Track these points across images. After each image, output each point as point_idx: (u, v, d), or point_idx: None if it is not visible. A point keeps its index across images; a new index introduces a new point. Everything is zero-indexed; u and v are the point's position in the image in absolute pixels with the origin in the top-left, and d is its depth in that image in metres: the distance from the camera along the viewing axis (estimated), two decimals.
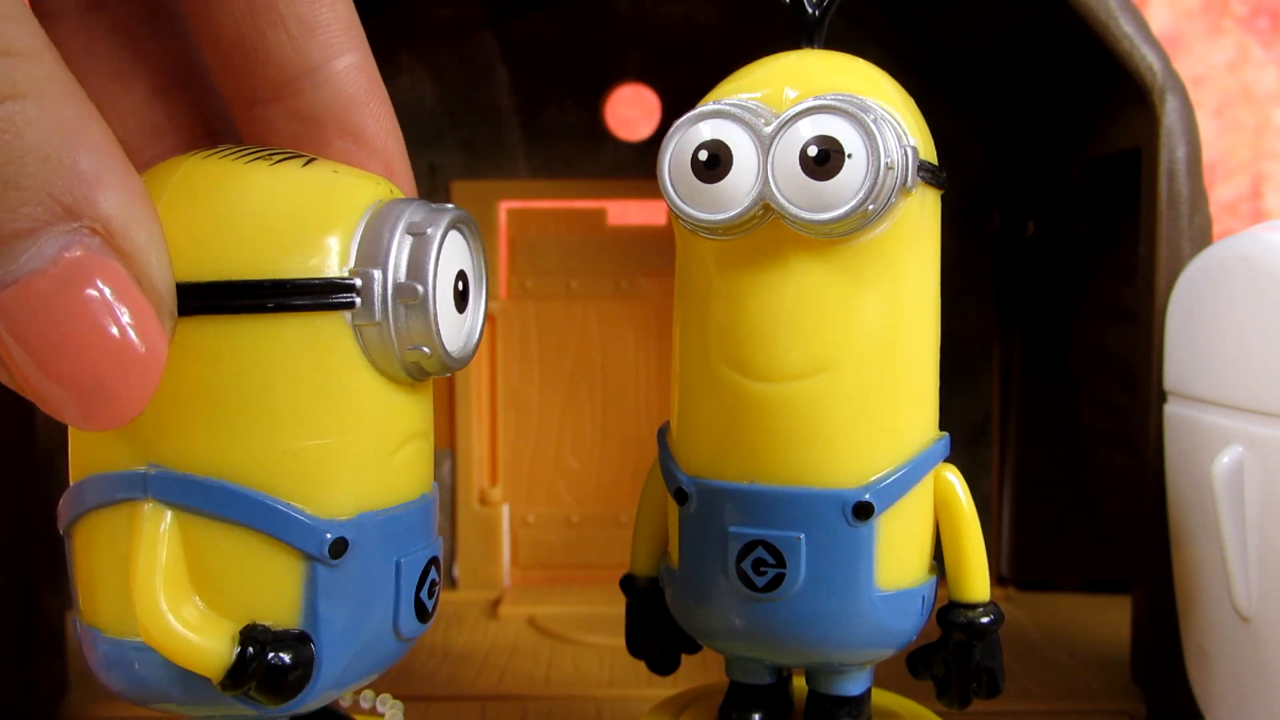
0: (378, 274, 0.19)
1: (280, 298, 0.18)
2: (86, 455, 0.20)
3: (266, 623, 0.19)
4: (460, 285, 0.20)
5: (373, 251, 0.19)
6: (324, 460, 0.19)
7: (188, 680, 0.19)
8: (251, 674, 0.19)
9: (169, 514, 0.19)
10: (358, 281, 0.19)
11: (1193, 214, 0.31)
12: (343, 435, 0.19)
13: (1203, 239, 0.31)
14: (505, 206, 0.44)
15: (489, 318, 0.26)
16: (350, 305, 0.19)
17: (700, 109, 0.22)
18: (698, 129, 0.22)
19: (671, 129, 0.22)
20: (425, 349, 0.19)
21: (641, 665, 0.27)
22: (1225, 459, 0.26)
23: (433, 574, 0.21)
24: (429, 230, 0.19)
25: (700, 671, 0.30)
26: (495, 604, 0.42)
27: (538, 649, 0.38)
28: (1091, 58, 0.32)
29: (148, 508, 0.19)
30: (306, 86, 0.21)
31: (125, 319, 0.16)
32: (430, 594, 0.21)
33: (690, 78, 0.34)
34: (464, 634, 0.40)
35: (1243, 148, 0.61)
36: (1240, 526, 0.26)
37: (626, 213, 0.45)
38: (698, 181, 0.22)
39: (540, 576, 0.45)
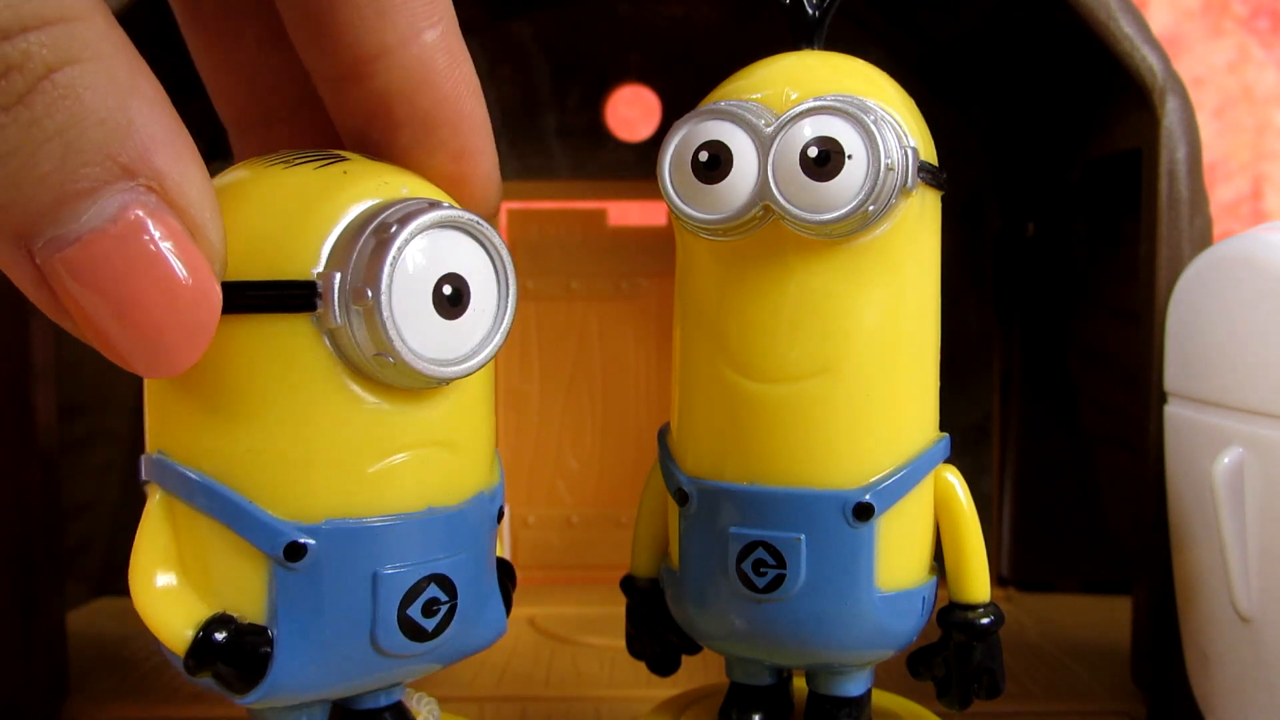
0: (338, 276, 0.18)
1: (240, 299, 0.18)
2: (149, 433, 0.21)
3: (235, 614, 0.19)
4: (447, 289, 0.19)
5: (342, 253, 0.19)
6: (289, 463, 0.19)
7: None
8: (210, 658, 0.19)
9: (168, 500, 0.20)
10: (318, 284, 0.18)
11: (1193, 215, 0.31)
12: (311, 439, 0.19)
13: (1203, 240, 0.31)
14: (506, 207, 0.44)
15: None
16: (309, 308, 0.18)
17: (701, 109, 0.22)
18: (698, 129, 0.22)
19: (672, 129, 0.22)
20: (388, 357, 0.18)
21: (641, 666, 0.27)
22: (1225, 460, 0.26)
23: (432, 591, 0.20)
24: (394, 230, 0.18)
25: (700, 672, 0.30)
26: None
27: (538, 649, 0.38)
28: (1092, 58, 0.32)
29: (155, 492, 0.20)
30: (380, 69, 0.20)
31: (181, 271, 0.17)
32: (429, 613, 0.20)
33: (690, 78, 0.34)
34: None
35: (1243, 148, 0.61)
36: (1240, 527, 0.26)
37: (627, 213, 0.45)
38: (698, 182, 0.22)
39: (540, 577, 0.45)
